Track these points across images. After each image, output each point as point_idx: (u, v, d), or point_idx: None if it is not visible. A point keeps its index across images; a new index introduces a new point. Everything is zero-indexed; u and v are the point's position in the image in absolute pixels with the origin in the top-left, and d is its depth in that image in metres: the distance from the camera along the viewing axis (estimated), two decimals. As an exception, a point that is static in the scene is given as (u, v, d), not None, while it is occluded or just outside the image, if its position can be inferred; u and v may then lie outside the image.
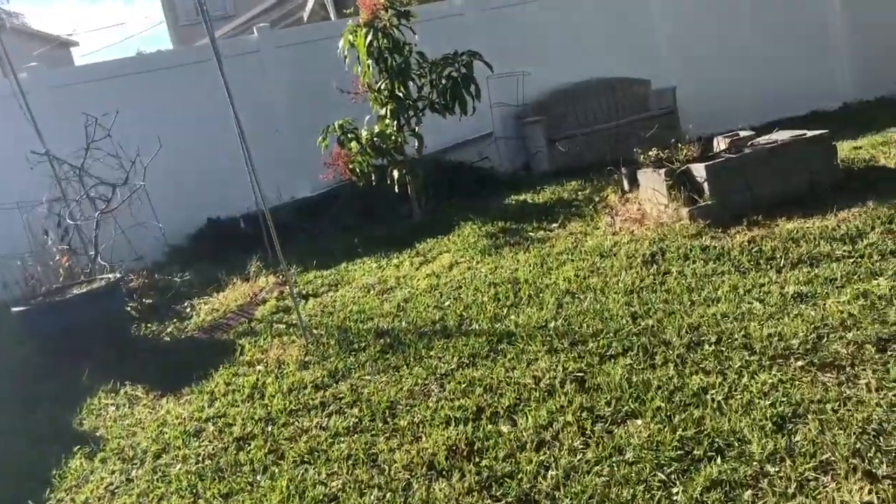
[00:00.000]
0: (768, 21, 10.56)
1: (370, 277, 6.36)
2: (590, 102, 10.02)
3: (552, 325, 4.49)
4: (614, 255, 5.43)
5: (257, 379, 4.63)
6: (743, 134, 6.61)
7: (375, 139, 7.26)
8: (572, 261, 5.52)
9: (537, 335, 4.37)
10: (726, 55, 10.47)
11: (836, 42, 10.87)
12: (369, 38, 6.92)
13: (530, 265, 5.63)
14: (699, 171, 5.67)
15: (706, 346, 3.86)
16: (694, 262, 5.00)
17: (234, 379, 4.72)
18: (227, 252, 8.51)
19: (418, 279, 5.99)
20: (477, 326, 4.73)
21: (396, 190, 7.54)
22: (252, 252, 8.00)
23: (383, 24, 6.90)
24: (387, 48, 7.13)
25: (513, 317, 4.76)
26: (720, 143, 6.49)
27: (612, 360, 3.92)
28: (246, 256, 7.70)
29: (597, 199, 6.84)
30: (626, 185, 6.46)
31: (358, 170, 7.30)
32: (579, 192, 7.31)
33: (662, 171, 5.81)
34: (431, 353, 4.46)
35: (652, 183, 5.97)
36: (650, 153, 6.78)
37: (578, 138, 9.41)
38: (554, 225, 6.59)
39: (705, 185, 5.64)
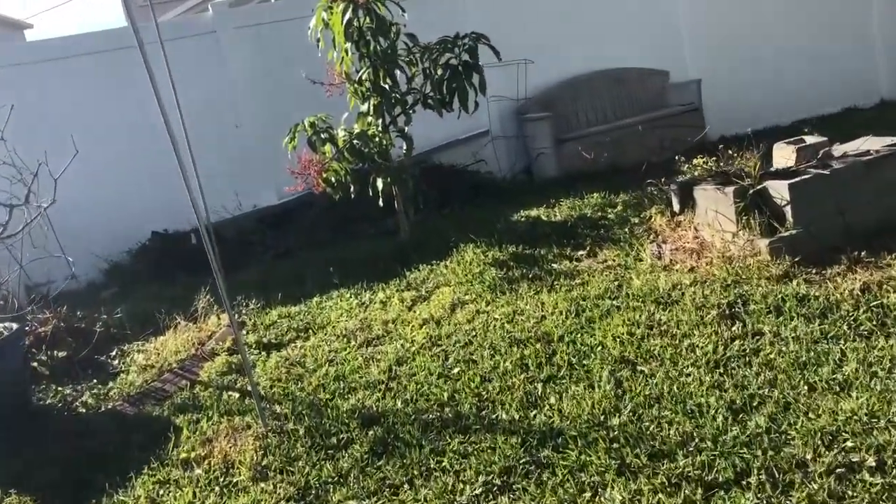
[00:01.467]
0: (804, 8, 9.29)
1: (350, 320, 4.99)
2: (600, 97, 8.70)
3: (615, 420, 3.16)
4: (676, 303, 4.12)
5: (194, 496, 3.25)
6: (810, 140, 5.34)
7: (355, 141, 5.87)
8: (619, 308, 4.20)
9: (596, 438, 3.05)
10: (755, 45, 9.19)
11: (876, 33, 9.64)
12: (347, 15, 5.51)
13: (561, 312, 4.30)
14: (780, 190, 4.37)
15: (865, 475, 2.57)
16: (792, 318, 3.71)
17: (161, 494, 3.33)
18: (175, 273, 7.09)
19: (413, 326, 4.64)
20: (504, 415, 3.39)
21: (380, 203, 6.17)
22: (204, 276, 6.61)
23: (365, -2, 5.52)
24: (369, 29, 5.73)
25: (553, 399, 3.43)
26: (786, 154, 5.22)
27: (725, 496, 2.61)
28: (196, 281, 6.30)
29: (635, 219, 5.51)
30: (675, 205, 5.15)
31: (334, 179, 5.91)
32: (607, 209, 5.97)
33: (730, 189, 4.50)
34: (443, 461, 3.12)
35: (714, 204, 4.67)
36: (698, 162, 5.50)
37: (591, 138, 8.09)
38: (581, 253, 5.26)
39: (787, 210, 4.34)
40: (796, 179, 4.33)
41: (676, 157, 5.58)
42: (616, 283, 4.56)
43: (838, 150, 5.01)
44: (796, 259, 4.17)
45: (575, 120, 8.63)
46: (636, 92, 8.79)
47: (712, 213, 4.66)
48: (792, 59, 9.30)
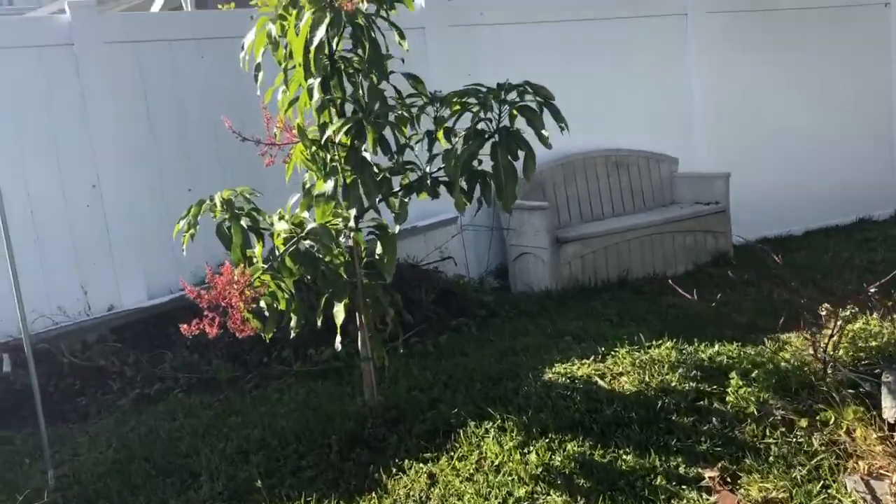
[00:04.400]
0: (825, 104, 7.79)
1: None
2: (597, 184, 6.72)
3: None
4: None
5: None
6: None
7: (307, 242, 3.45)
8: None
9: None
10: (774, 142, 7.56)
11: (896, 136, 8.30)
12: (321, 31, 3.15)
13: None
14: None
15: None
16: None
17: None
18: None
19: None
20: None
21: (338, 345, 3.75)
22: (14, 430, 4.03)
23: (353, 5, 3.17)
24: (351, 59, 3.42)
25: None
26: None
27: None
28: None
29: (782, 410, 3.35)
30: (890, 411, 3.05)
31: (265, 305, 3.44)
32: (703, 377, 3.77)
33: None
34: None
35: None
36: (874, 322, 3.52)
37: (599, 240, 6.04)
38: (709, 473, 3.05)
39: None
40: None
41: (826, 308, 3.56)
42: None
43: None
44: None
45: (566, 212, 6.57)
46: (640, 181, 6.88)
47: None
48: (814, 164, 7.73)
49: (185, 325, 3.09)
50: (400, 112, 3.59)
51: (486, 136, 3.54)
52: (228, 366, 4.81)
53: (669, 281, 4.77)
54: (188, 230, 3.60)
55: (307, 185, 3.79)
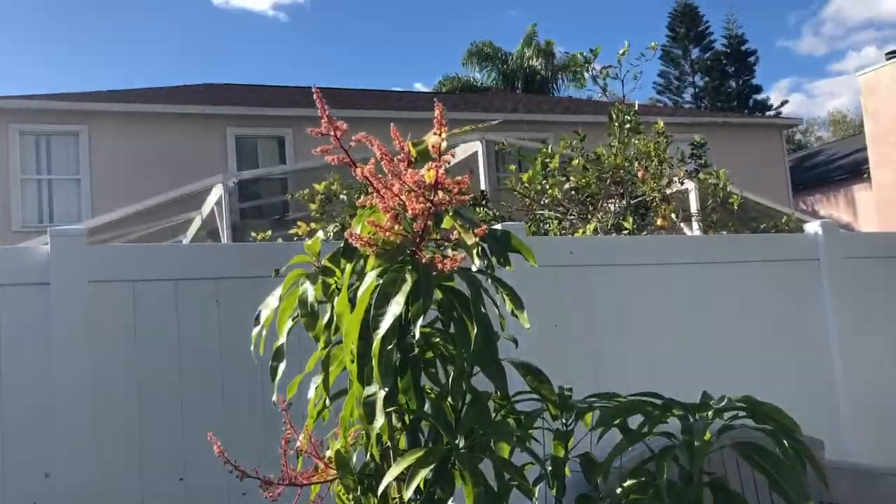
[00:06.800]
0: None
1: None
2: (727, 482, 5.03)
3: None
4: None
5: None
6: None
7: None
8: None
9: None
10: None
11: None
12: (395, 304, 1.76)
13: None
14: None
15: None
16: None
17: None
18: None
19: None
20: None
21: None
22: None
23: (453, 263, 1.81)
24: (437, 340, 2.04)
25: None
26: None
27: None
28: None
29: None
30: None
31: None
32: None
33: None
34: None
35: None
36: None
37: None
38: None
39: None
40: None
41: None
42: None
43: None
44: None
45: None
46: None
47: None
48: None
49: None
50: (509, 428, 2.13)
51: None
52: None
53: None
54: None
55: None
